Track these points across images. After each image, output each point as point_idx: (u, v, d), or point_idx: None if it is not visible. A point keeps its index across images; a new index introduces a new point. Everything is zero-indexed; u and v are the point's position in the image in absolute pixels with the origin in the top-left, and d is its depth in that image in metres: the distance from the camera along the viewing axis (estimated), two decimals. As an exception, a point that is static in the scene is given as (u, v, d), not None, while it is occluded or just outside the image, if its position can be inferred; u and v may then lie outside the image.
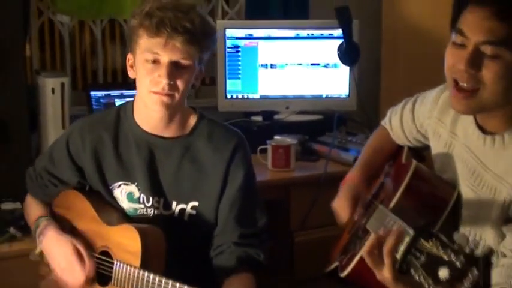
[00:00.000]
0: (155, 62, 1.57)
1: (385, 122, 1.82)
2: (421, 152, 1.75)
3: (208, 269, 1.67)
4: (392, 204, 1.43)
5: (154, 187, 1.67)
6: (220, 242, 1.66)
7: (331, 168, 2.34)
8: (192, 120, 1.71)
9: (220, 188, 1.67)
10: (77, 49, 2.79)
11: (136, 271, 1.51)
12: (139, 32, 1.59)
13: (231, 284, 1.60)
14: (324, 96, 2.73)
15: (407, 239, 1.10)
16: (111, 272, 1.58)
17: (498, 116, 1.39)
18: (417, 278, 1.06)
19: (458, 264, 1.00)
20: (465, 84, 1.35)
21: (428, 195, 1.49)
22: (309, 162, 2.44)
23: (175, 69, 1.57)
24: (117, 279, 1.56)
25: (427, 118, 1.63)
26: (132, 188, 1.68)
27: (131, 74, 1.66)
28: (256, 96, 2.70)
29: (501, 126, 1.40)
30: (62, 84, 2.23)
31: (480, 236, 1.42)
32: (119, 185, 1.69)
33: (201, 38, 1.59)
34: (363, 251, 1.22)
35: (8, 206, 2.07)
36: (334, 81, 2.71)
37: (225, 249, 1.65)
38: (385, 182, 1.71)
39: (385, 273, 1.17)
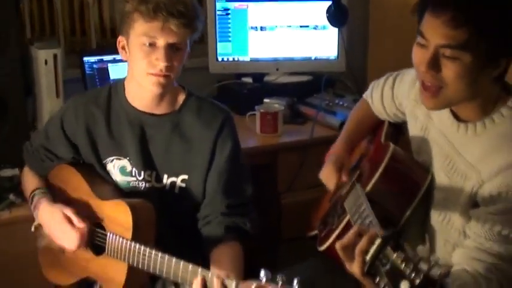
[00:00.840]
0: (152, 45, 1.63)
1: (366, 95, 1.88)
2: (400, 126, 1.82)
3: (199, 238, 1.76)
4: (369, 187, 1.52)
5: (146, 161, 1.75)
6: (208, 212, 1.75)
7: (317, 133, 2.42)
8: (181, 98, 1.77)
9: (209, 160, 1.74)
10: (76, 11, 2.80)
11: (128, 243, 1.61)
12: (134, 17, 1.63)
13: (220, 253, 1.69)
14: (313, 58, 2.77)
15: (376, 243, 1.16)
16: (105, 243, 1.68)
17: (469, 106, 1.45)
18: (382, 284, 1.13)
19: (417, 281, 1.06)
20: (429, 84, 1.41)
21: (403, 179, 1.57)
22: (296, 125, 2.52)
23: (171, 51, 1.64)
24: (111, 249, 1.65)
25: (405, 98, 1.69)
26: (124, 162, 1.76)
27: (123, 55, 1.71)
28: (247, 58, 2.75)
29: (474, 115, 1.46)
30: (55, 56, 2.27)
31: (450, 217, 1.50)
32: (112, 160, 1.77)
33: (193, 21, 1.65)
34: (338, 245, 1.27)
35: (6, 172, 2.12)
36: (323, 43, 2.75)
37: (213, 219, 1.73)
38: (364, 156, 1.79)
39: (354, 269, 1.24)
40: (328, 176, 1.77)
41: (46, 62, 2.27)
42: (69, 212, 1.69)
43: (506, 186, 1.37)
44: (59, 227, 1.70)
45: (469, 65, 1.36)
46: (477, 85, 1.40)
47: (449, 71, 1.37)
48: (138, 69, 1.67)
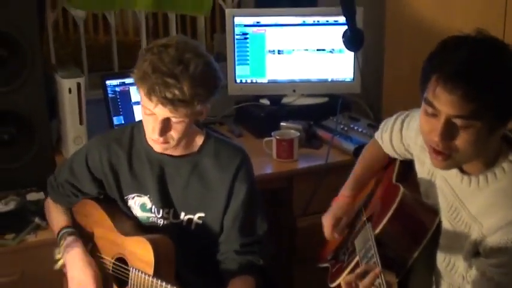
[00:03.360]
0: (152, 114, 1.67)
1: (377, 136, 1.93)
2: (411, 163, 1.87)
3: (214, 269, 1.84)
4: (378, 230, 1.58)
5: (165, 199, 1.82)
6: (224, 249, 1.83)
7: (332, 158, 2.47)
8: (199, 140, 1.83)
9: (225, 201, 1.81)
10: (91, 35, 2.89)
11: (150, 279, 1.68)
12: (138, 84, 1.67)
13: (234, 284, 1.77)
14: (329, 80, 2.82)
15: None
16: (127, 277, 1.76)
17: (474, 162, 1.49)
18: None
19: None
20: (441, 151, 1.44)
21: (412, 222, 1.62)
22: (312, 149, 2.57)
23: (167, 123, 1.68)
24: (134, 284, 1.73)
25: (413, 143, 1.73)
26: (145, 199, 1.84)
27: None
28: (265, 80, 2.81)
29: (477, 169, 1.50)
30: (78, 85, 2.33)
31: (454, 262, 1.56)
32: (133, 197, 1.85)
33: (191, 101, 1.63)
34: (343, 281, 1.41)
35: (32, 196, 2.19)
36: (339, 66, 2.80)
37: (228, 256, 1.81)
38: (375, 193, 1.85)
39: None
40: (326, 225, 1.89)
41: (70, 91, 2.34)
42: (98, 277, 1.77)
43: (506, 242, 1.42)
44: (82, 281, 1.77)
45: (481, 130, 1.39)
46: (486, 145, 1.44)
47: (462, 139, 1.40)
48: (144, 125, 1.75)
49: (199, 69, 1.63)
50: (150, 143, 1.75)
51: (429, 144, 1.48)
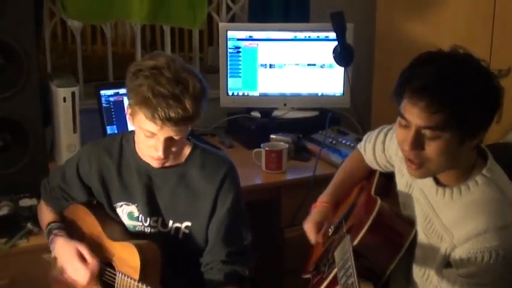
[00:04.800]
0: (152, 135, 1.71)
1: (360, 146, 1.99)
2: (392, 176, 1.91)
3: (201, 277, 1.87)
4: (356, 242, 1.63)
5: (152, 209, 1.86)
6: (209, 259, 1.85)
7: (320, 170, 2.51)
8: (186, 150, 1.87)
9: (210, 211, 1.84)
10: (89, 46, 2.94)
11: (136, 284, 1.73)
12: (136, 108, 1.69)
13: None
14: (319, 94, 2.88)
15: None
16: (114, 282, 1.80)
17: (449, 173, 1.55)
18: None
19: None
20: (413, 161, 1.51)
21: (389, 234, 1.67)
22: (301, 162, 2.62)
23: (169, 142, 1.72)
24: (120, 288, 1.78)
25: (394, 154, 1.79)
26: (132, 208, 1.88)
27: (131, 121, 1.77)
28: (256, 93, 2.87)
29: (452, 181, 1.56)
30: (73, 94, 2.39)
31: (429, 273, 1.60)
32: (121, 205, 1.89)
33: (193, 117, 1.69)
34: None
35: (25, 202, 2.22)
36: (330, 81, 2.86)
37: (214, 266, 1.84)
38: (355, 205, 1.90)
39: None
40: (309, 232, 1.89)
41: (64, 100, 2.39)
42: (82, 249, 1.80)
43: (475, 253, 1.47)
44: (72, 262, 1.81)
45: (450, 140, 1.45)
46: (458, 156, 1.50)
47: (431, 149, 1.47)
48: (139, 145, 1.80)
49: (197, 86, 1.68)
50: (148, 160, 1.80)
51: (404, 154, 1.55)
